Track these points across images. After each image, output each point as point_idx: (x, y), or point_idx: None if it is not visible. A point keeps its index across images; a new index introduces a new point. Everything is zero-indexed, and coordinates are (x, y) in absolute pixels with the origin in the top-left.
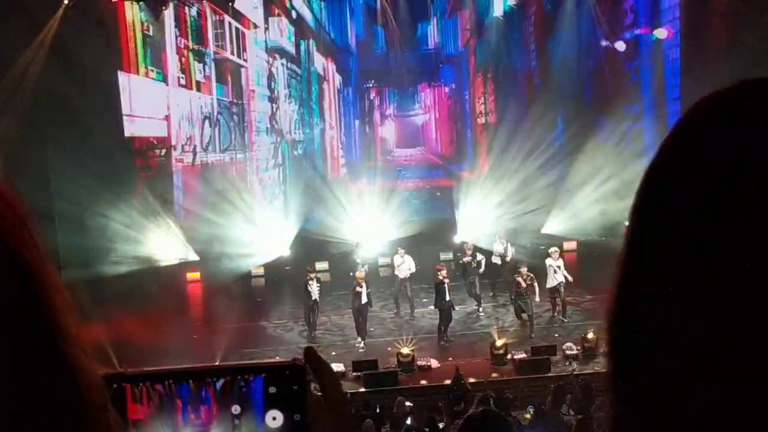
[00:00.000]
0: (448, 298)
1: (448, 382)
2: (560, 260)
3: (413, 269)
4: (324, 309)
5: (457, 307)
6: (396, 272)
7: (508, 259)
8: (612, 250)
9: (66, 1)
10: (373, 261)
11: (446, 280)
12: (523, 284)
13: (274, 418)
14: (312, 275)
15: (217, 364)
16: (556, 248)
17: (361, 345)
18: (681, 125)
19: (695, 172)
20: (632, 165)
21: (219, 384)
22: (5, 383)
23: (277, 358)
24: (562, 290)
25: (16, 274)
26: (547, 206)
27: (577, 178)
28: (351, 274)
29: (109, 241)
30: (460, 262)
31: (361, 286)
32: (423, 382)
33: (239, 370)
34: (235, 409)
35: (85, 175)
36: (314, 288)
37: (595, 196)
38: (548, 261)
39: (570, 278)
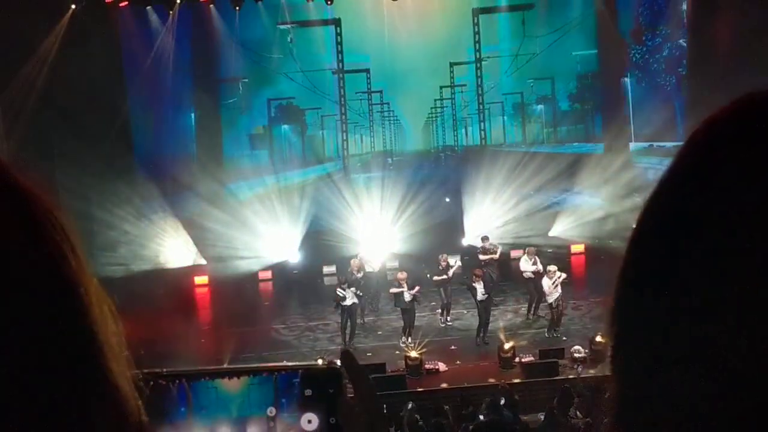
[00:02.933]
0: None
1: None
2: (556, 275)
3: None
4: (328, 311)
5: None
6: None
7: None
8: (620, 252)
9: (73, 6)
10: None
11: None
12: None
13: (309, 421)
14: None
15: (253, 365)
16: (554, 267)
17: (409, 341)
18: (692, 141)
19: (706, 190)
20: None
21: (255, 385)
22: (44, 397)
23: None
24: (561, 304)
25: (57, 287)
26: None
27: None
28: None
29: (115, 243)
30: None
31: (402, 287)
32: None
33: (275, 372)
34: (271, 411)
35: (91, 175)
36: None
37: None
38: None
39: (548, 293)
